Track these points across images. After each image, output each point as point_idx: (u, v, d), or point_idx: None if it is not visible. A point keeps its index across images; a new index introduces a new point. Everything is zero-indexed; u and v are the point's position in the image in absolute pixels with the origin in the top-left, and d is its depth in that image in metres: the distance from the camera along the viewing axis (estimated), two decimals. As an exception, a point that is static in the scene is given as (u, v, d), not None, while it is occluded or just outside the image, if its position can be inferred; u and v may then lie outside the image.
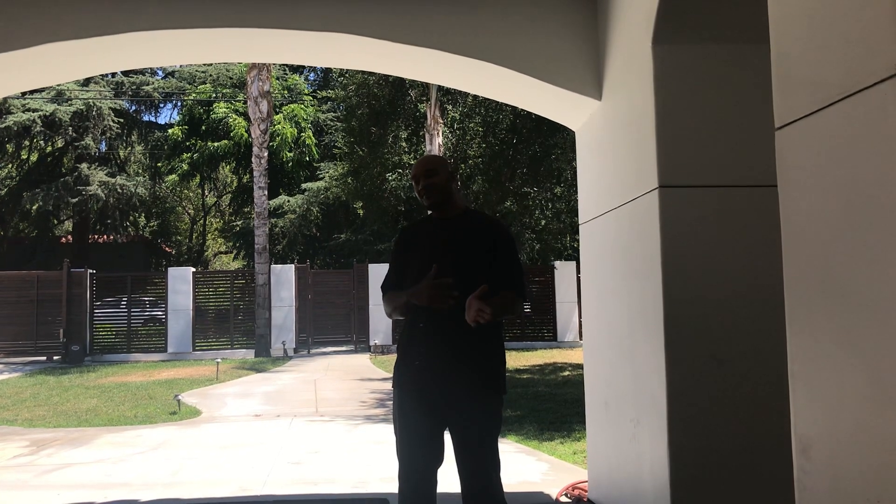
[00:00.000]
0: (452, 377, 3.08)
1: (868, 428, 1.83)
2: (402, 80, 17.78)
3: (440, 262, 3.10)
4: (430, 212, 3.39)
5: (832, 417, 1.97)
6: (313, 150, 29.19)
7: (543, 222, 19.18)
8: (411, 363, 3.19)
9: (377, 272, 19.61)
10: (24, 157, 31.86)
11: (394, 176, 18.76)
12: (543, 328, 21.08)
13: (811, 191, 2.06)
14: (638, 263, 3.96)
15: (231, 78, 30.00)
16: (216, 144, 29.14)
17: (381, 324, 20.08)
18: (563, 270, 20.82)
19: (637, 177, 3.94)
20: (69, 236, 33.75)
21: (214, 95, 29.85)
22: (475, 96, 17.20)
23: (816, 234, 2.04)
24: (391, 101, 18.99)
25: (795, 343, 2.12)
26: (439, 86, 17.03)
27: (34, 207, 29.23)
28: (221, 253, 40.95)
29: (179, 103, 32.52)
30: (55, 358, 19.27)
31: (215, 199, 39.63)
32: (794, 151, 2.13)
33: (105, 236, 33.64)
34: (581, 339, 18.70)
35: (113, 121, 29.48)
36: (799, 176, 2.11)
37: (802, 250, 2.10)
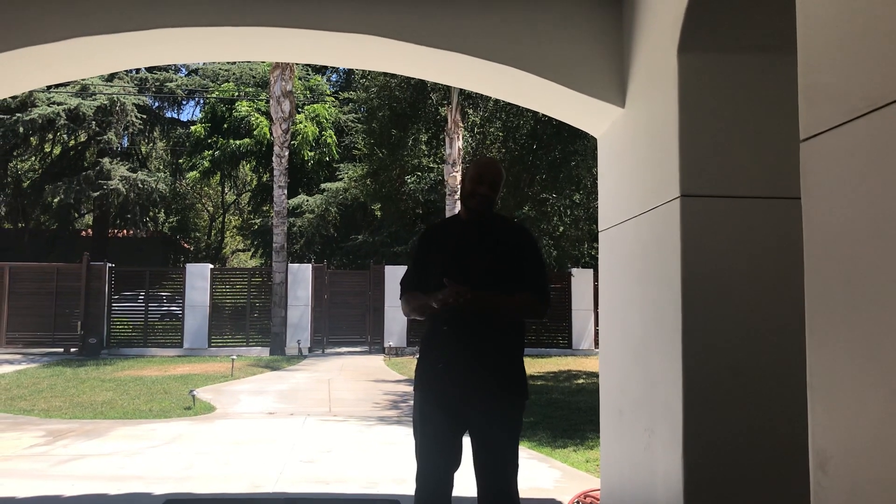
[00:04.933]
0: (475, 381, 3.08)
1: (888, 443, 1.81)
2: (423, 83, 17.81)
3: (471, 265, 3.11)
4: (457, 211, 3.38)
5: (851, 432, 1.95)
6: (334, 150, 29.28)
7: (562, 229, 19.15)
8: (434, 366, 3.18)
9: (394, 274, 19.62)
10: (48, 150, 32.21)
11: (413, 178, 18.79)
12: (559, 335, 21.03)
13: (836, 204, 2.04)
14: (657, 272, 3.94)
15: (254, 77, 30.18)
16: (238, 142, 29.31)
17: (395, 325, 20.09)
18: (580, 278, 20.76)
19: (659, 185, 3.93)
20: (89, 230, 34.09)
21: (237, 94, 30.02)
22: (496, 101, 17.21)
23: (840, 248, 2.02)
24: (412, 103, 19.04)
25: (815, 356, 2.10)
26: (461, 90, 17.04)
27: (55, 200, 29.53)
28: (239, 250, 41.20)
29: (202, 101, 32.76)
30: (72, 350, 19.43)
31: (235, 197, 39.86)
32: (820, 164, 2.11)
33: (125, 231, 33.95)
34: (596, 347, 18.65)
35: (136, 116, 29.73)
36: (824, 189, 2.09)
37: (825, 264, 2.08)
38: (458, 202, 18.49)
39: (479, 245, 3.19)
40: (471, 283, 3.06)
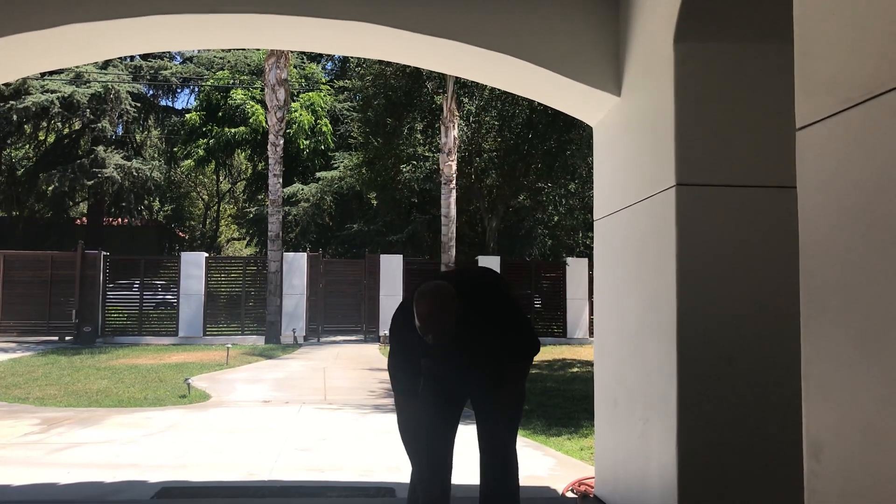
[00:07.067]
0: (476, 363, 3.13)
1: (881, 432, 1.82)
2: (419, 71, 17.77)
3: (465, 353, 3.15)
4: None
5: (844, 420, 1.96)
6: (329, 138, 29.19)
7: (556, 218, 19.18)
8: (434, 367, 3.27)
9: (388, 263, 19.62)
10: (42, 138, 32.08)
11: (408, 167, 18.77)
12: (553, 324, 21.06)
13: (831, 193, 2.04)
14: (652, 261, 3.95)
15: (249, 65, 30.03)
16: (232, 131, 29.19)
17: (390, 314, 19.95)
18: (575, 267, 20.77)
19: (654, 174, 3.93)
20: (84, 218, 33.99)
21: (232, 82, 29.89)
22: (492, 90, 17.18)
23: (835, 237, 2.02)
24: (408, 92, 18.98)
25: (809, 345, 2.11)
26: (456, 78, 16.99)
27: (50, 188, 29.44)
28: (234, 239, 41.13)
29: (197, 89, 32.61)
30: (67, 338, 19.39)
31: (230, 186, 39.76)
32: (816, 152, 2.11)
33: (119, 219, 33.86)
34: (591, 336, 18.70)
35: (130, 104, 29.61)
36: (819, 177, 2.10)
37: (820, 252, 2.08)
38: (453, 191, 18.52)
39: (463, 333, 3.10)
40: (473, 370, 3.20)
